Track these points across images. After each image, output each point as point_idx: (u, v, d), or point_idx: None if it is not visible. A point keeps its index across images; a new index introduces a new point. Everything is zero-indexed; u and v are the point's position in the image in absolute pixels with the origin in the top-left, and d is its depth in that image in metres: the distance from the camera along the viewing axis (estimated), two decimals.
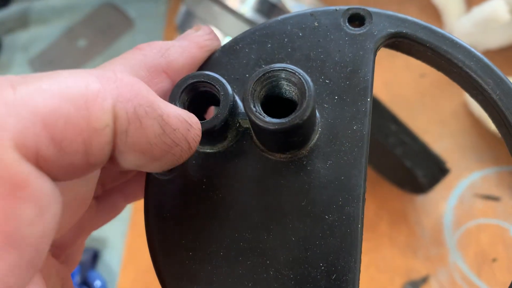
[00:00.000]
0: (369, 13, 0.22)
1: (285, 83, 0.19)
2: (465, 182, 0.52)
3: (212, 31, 0.22)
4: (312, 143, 0.21)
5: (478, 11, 0.55)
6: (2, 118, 0.13)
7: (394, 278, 0.49)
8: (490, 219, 0.50)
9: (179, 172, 0.21)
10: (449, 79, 0.22)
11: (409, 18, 0.22)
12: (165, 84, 0.20)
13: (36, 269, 0.14)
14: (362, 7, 0.22)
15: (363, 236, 0.20)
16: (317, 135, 0.21)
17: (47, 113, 0.13)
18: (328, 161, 0.20)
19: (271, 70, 0.19)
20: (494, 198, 0.51)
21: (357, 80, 0.21)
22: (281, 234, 0.20)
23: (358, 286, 0.19)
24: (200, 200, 0.21)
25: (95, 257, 0.57)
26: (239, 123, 0.21)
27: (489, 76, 0.20)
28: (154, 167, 0.17)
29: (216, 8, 0.53)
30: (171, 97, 0.20)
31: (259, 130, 0.20)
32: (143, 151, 0.16)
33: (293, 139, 0.20)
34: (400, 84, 0.60)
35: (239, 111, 0.21)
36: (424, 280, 0.48)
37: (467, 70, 0.21)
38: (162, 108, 0.16)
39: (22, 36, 0.80)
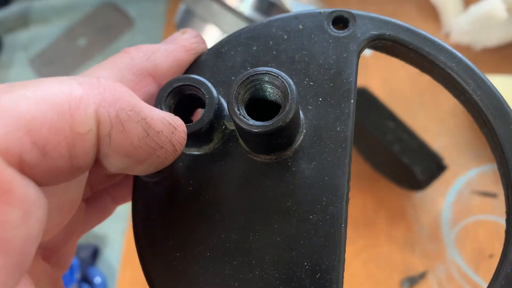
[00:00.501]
0: (353, 15, 0.22)
1: (269, 86, 0.19)
2: (463, 179, 0.52)
3: (198, 34, 0.22)
4: (296, 144, 0.21)
5: (476, 10, 0.55)
6: None
7: (392, 274, 0.49)
8: (487, 215, 0.50)
9: (166, 174, 0.21)
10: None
11: (392, 20, 0.22)
12: (152, 87, 0.21)
13: (23, 271, 0.14)
14: (346, 9, 0.22)
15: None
16: (302, 136, 0.21)
17: (30, 119, 0.14)
18: (313, 162, 0.21)
19: (255, 74, 0.19)
20: (491, 195, 0.51)
21: (340, 82, 0.21)
22: (266, 235, 0.20)
23: (342, 285, 0.19)
24: (187, 202, 0.21)
25: (95, 253, 0.58)
26: (225, 125, 0.21)
27: (470, 77, 0.21)
28: (139, 170, 0.17)
29: (215, 7, 0.53)
30: (157, 101, 0.20)
31: (244, 133, 0.20)
32: (127, 153, 0.16)
33: (278, 141, 0.20)
34: (399, 82, 0.60)
35: (225, 113, 0.21)
36: (422, 276, 0.48)
37: (449, 72, 0.21)
38: (145, 111, 0.17)
39: (22, 36, 0.81)
